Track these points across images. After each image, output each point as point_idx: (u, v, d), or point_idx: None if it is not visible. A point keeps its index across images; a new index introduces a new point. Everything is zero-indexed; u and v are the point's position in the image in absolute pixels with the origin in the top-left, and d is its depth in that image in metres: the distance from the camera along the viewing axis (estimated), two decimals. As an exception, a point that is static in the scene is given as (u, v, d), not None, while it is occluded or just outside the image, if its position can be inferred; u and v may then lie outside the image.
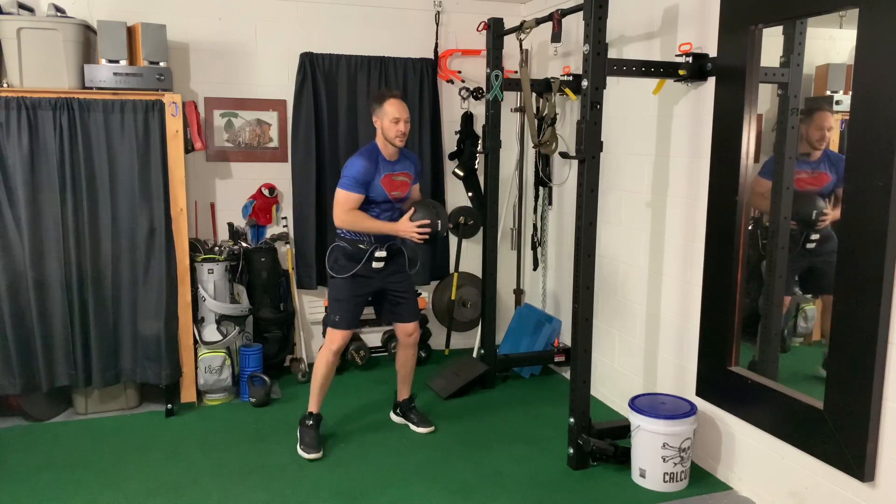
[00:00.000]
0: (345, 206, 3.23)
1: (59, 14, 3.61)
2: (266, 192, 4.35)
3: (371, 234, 3.29)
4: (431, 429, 3.59)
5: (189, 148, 3.82)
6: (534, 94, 3.89)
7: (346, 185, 3.22)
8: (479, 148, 4.37)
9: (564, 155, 3.33)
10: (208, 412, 3.85)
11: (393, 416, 3.75)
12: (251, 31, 4.27)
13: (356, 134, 4.44)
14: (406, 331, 3.53)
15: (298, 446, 3.32)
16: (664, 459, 2.98)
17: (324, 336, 4.41)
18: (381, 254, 3.30)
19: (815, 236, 2.97)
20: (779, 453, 2.78)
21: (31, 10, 3.60)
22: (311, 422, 3.38)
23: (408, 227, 3.23)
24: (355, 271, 3.29)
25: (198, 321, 3.90)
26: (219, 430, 3.60)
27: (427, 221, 3.24)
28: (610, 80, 3.05)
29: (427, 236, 3.27)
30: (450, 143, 4.71)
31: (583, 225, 3.02)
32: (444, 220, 3.33)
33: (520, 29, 3.68)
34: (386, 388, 4.07)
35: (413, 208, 3.30)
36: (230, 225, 4.33)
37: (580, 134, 2.95)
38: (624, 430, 3.20)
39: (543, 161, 4.48)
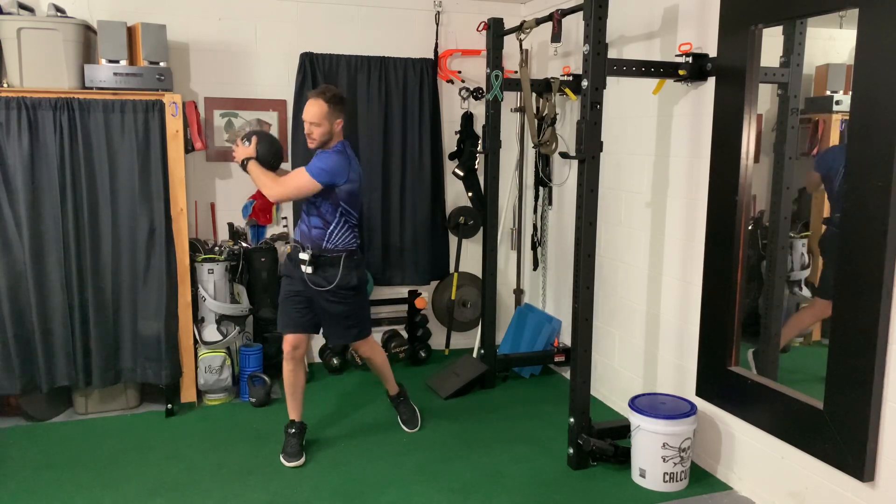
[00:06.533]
0: None
1: (59, 14, 3.61)
2: (266, 192, 4.35)
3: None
4: (414, 430, 3.61)
5: (189, 148, 3.82)
6: (534, 94, 3.89)
7: None
8: (479, 148, 4.37)
9: (564, 155, 3.33)
10: (208, 412, 3.85)
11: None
12: (251, 31, 4.27)
13: (356, 134, 4.44)
14: (353, 346, 3.59)
15: (280, 454, 3.29)
16: (664, 459, 2.98)
17: (323, 336, 4.43)
18: (304, 256, 3.21)
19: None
20: (779, 453, 2.78)
21: (31, 10, 3.60)
22: (292, 430, 3.34)
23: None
24: (283, 271, 3.39)
25: (198, 321, 3.90)
26: (219, 430, 3.60)
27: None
28: (610, 80, 3.05)
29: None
30: (450, 143, 4.71)
31: (583, 225, 3.02)
32: (249, 136, 3.27)
33: (520, 29, 3.68)
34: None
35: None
36: (230, 225, 4.33)
37: (580, 134, 2.95)
38: (624, 429, 3.20)
39: (543, 161, 4.48)
